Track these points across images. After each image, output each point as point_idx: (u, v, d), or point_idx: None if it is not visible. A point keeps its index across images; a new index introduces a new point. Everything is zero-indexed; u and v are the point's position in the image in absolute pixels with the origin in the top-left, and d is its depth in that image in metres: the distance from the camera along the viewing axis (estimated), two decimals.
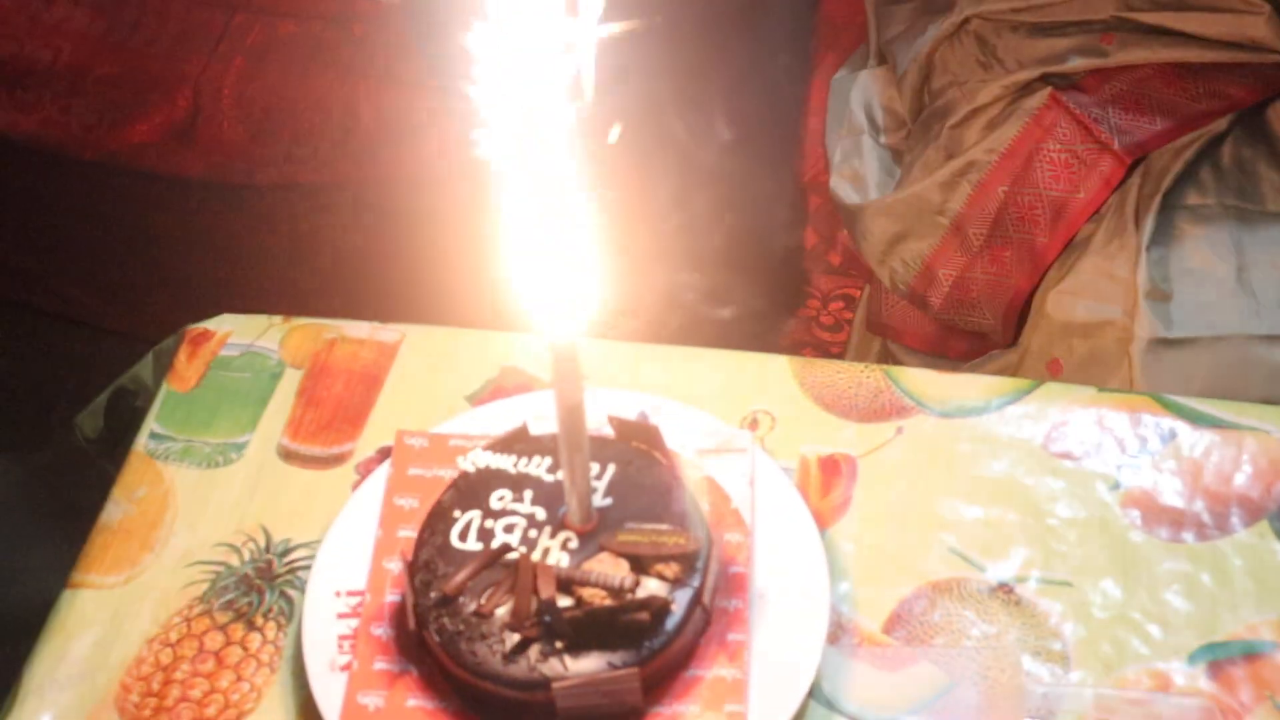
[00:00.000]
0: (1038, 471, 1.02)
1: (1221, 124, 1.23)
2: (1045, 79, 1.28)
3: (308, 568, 0.98)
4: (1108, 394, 1.05)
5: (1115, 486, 1.00)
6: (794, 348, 1.65)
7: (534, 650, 0.86)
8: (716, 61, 1.48)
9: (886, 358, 1.47)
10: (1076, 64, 1.26)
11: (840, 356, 1.54)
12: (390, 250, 1.67)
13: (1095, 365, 1.20)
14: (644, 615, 0.86)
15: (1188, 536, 0.98)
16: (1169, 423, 1.04)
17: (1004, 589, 0.96)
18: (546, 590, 0.86)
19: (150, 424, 1.08)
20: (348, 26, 1.62)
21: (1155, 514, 0.99)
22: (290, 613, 0.97)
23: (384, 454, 1.04)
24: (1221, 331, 1.16)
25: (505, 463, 0.95)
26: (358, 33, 1.62)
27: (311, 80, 1.63)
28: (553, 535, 0.91)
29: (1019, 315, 1.30)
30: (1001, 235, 1.29)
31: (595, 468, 0.93)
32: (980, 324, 1.34)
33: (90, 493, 1.12)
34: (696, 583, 0.88)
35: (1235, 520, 0.98)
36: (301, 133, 1.64)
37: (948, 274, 1.33)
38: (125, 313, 1.85)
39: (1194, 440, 1.03)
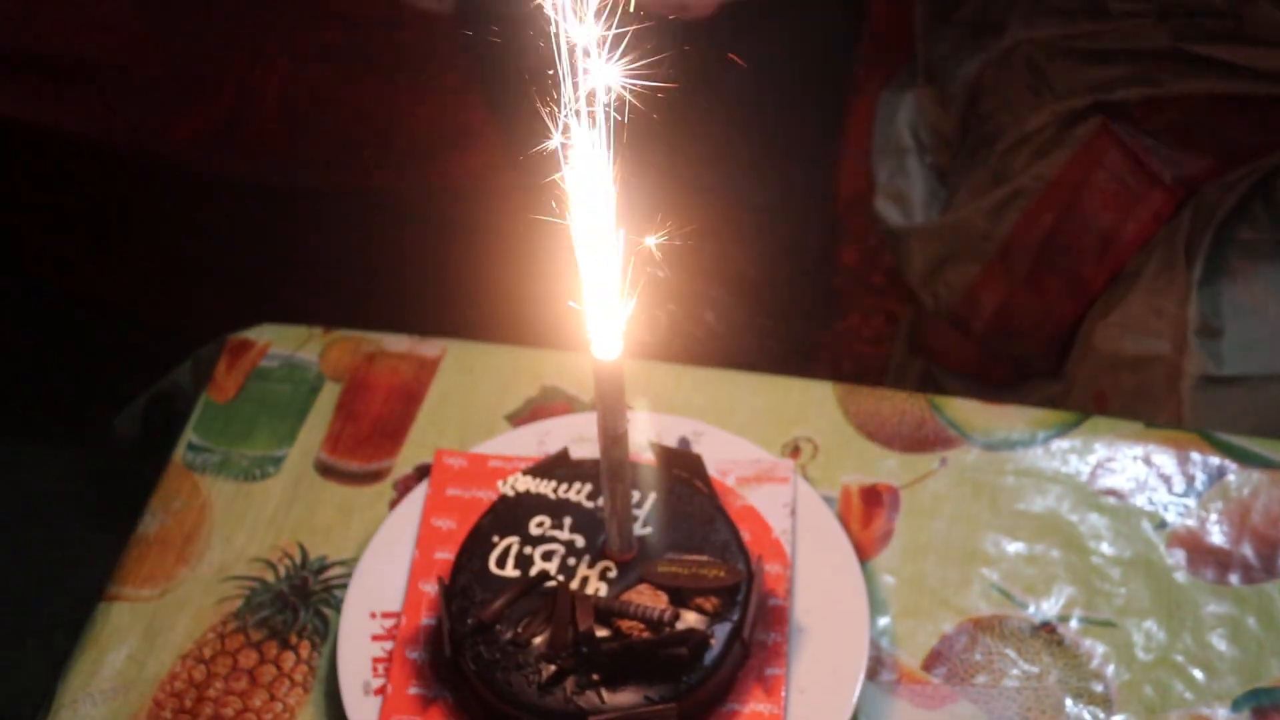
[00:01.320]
0: (1082, 508, 1.00)
1: (1275, 158, 1.21)
2: (1096, 107, 1.26)
3: (343, 586, 0.97)
4: (1155, 430, 1.04)
5: (1161, 525, 0.99)
6: (834, 361, 1.64)
7: (570, 681, 0.85)
8: (755, 80, 1.47)
9: (928, 378, 1.46)
10: (1128, 93, 1.25)
11: (881, 371, 1.53)
12: (433, 261, 1.67)
13: (1143, 400, 1.19)
14: (682, 650, 0.85)
15: (1234, 579, 0.96)
16: (1217, 461, 1.02)
17: (1046, 628, 0.94)
18: (584, 621, 0.85)
19: (189, 434, 1.08)
20: (393, 33, 1.62)
21: (1201, 555, 0.98)
22: (325, 632, 0.96)
23: (422, 472, 1.04)
24: (1273, 370, 1.15)
25: (545, 488, 0.94)
26: (403, 38, 1.62)
27: (355, 85, 1.62)
28: (592, 564, 0.90)
29: (1064, 345, 1.29)
30: (1047, 264, 1.27)
31: (636, 495, 0.92)
32: (1024, 352, 1.33)
33: (126, 491, 1.12)
34: (736, 616, 0.87)
35: None
36: (343, 138, 1.63)
37: (992, 300, 1.32)
38: (162, 308, 1.86)
39: (1242, 480, 1.01)
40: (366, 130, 1.62)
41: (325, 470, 1.05)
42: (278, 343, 1.13)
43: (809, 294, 1.51)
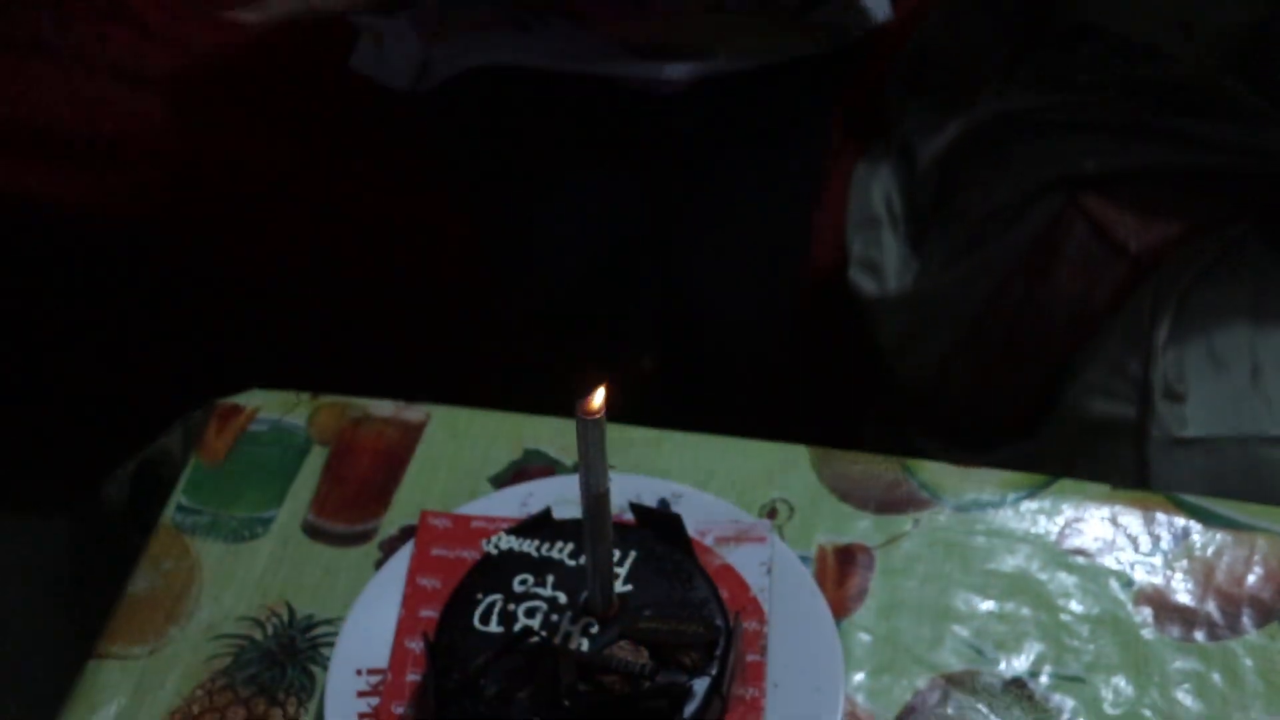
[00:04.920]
0: (1051, 567, 1.03)
1: (1238, 228, 1.24)
2: (1064, 180, 1.30)
3: (330, 644, 0.99)
4: (1122, 492, 1.07)
5: (1128, 584, 1.02)
6: (807, 425, 1.66)
7: None
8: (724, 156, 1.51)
9: (900, 439, 1.48)
10: (1094, 165, 1.29)
11: (854, 435, 1.55)
12: (413, 331, 1.69)
13: (1109, 461, 1.22)
14: (663, 703, 0.87)
15: (1199, 636, 0.99)
16: (1182, 522, 1.05)
17: (1017, 684, 0.97)
18: (567, 675, 0.87)
19: (178, 496, 1.10)
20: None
21: (1167, 612, 1.00)
22: (311, 689, 0.98)
23: (408, 533, 1.06)
24: (1235, 433, 1.18)
25: (528, 546, 0.97)
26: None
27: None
28: (574, 620, 0.92)
29: (1034, 409, 1.32)
30: (1019, 333, 1.30)
31: (617, 554, 0.95)
32: (995, 416, 1.36)
33: (114, 560, 1.14)
34: (715, 671, 0.89)
35: (1246, 620, 0.99)
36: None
37: (964, 369, 1.35)
38: (149, 376, 1.87)
39: (1206, 540, 1.04)
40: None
41: (313, 531, 1.07)
42: (266, 407, 1.16)
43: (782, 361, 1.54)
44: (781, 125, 1.55)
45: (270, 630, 1.01)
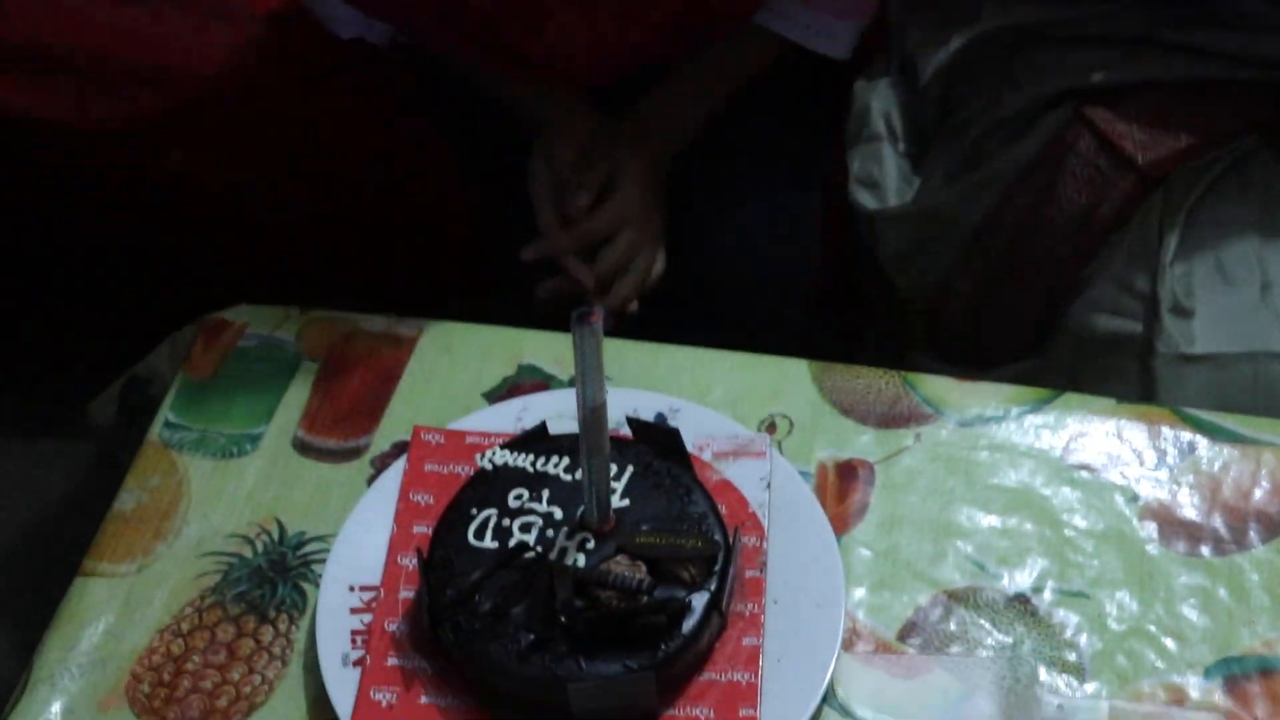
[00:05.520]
0: (1055, 482, 1.01)
1: (1249, 142, 1.22)
2: (1070, 93, 1.27)
3: (321, 561, 0.98)
4: (1127, 406, 1.05)
5: (1133, 499, 1.00)
6: (807, 344, 1.64)
7: (550, 651, 0.86)
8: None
9: (901, 359, 1.46)
10: (1102, 79, 1.26)
11: (854, 354, 1.53)
12: (404, 247, 1.66)
13: (1115, 379, 1.20)
14: (661, 618, 0.86)
15: (1205, 551, 0.98)
16: (1188, 436, 1.03)
17: (1020, 599, 0.95)
18: (563, 591, 0.86)
19: (165, 413, 1.08)
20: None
21: (1173, 527, 0.99)
22: (303, 606, 0.96)
23: (400, 449, 1.04)
24: (1243, 348, 1.15)
25: (523, 461, 0.95)
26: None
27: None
28: (570, 536, 0.90)
29: (1037, 327, 1.30)
30: (1022, 248, 1.28)
31: (613, 468, 0.93)
32: (997, 335, 1.33)
33: (102, 480, 1.12)
34: (714, 586, 0.88)
35: (1253, 535, 0.98)
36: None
37: (966, 285, 1.32)
38: (136, 294, 1.85)
39: (1213, 455, 1.02)
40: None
41: (303, 448, 1.05)
42: (255, 323, 1.14)
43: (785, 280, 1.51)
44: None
45: (260, 547, 1.00)
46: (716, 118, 1.45)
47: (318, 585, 0.96)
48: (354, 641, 0.91)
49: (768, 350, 1.11)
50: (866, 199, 1.40)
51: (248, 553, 0.99)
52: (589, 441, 0.85)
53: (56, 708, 0.92)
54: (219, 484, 1.03)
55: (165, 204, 1.70)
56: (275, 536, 1.00)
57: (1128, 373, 1.22)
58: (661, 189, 1.39)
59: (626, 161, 1.35)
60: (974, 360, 1.35)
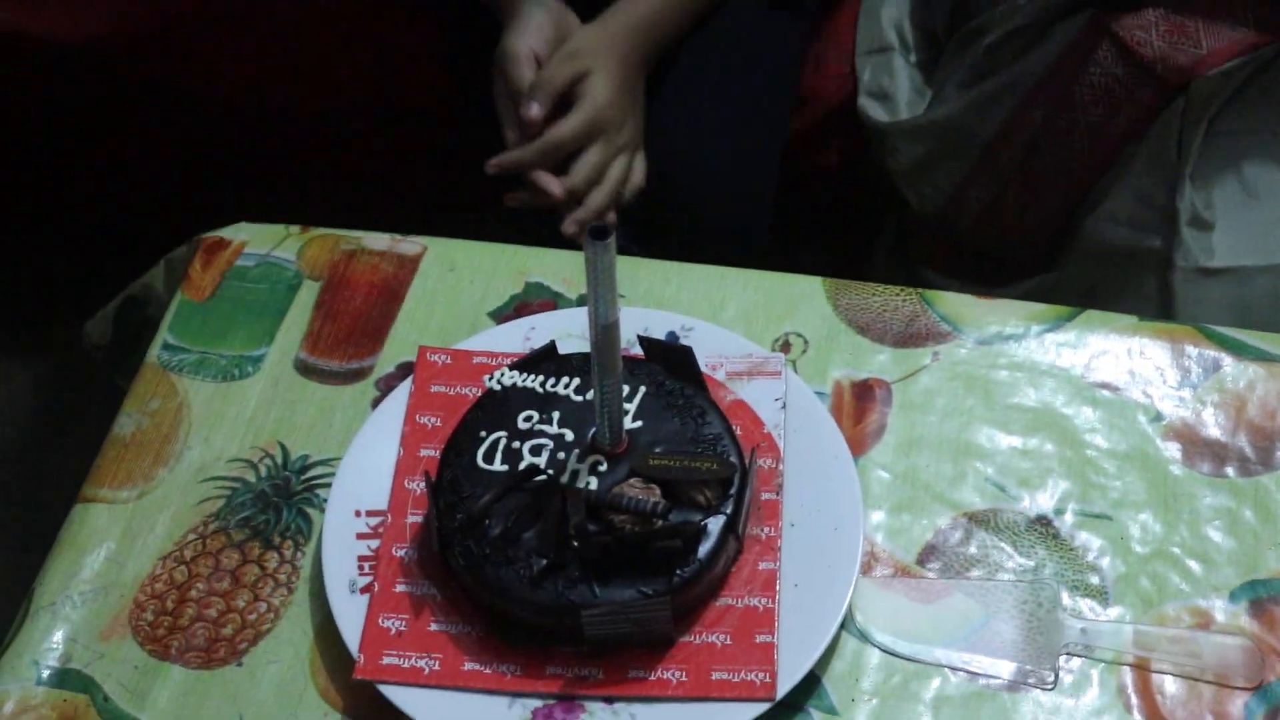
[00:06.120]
0: (1076, 402, 0.99)
1: (1270, 50, 1.18)
2: (1088, 0, 1.24)
3: (326, 486, 0.95)
4: (1149, 324, 1.03)
5: (1156, 419, 0.98)
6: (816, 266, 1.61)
7: (562, 576, 0.83)
8: None
9: (912, 281, 1.44)
10: None
11: (863, 276, 1.51)
12: (405, 164, 1.64)
13: (1131, 293, 1.17)
14: (676, 542, 0.83)
15: (1230, 471, 0.95)
16: (1212, 354, 1.01)
17: (1041, 521, 0.93)
18: (576, 515, 0.84)
19: (163, 334, 1.05)
20: None
21: (1197, 447, 0.97)
22: (308, 532, 0.94)
23: (405, 370, 1.01)
24: (1265, 261, 1.13)
25: (533, 382, 0.92)
26: None
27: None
28: (582, 458, 0.88)
29: (1052, 242, 1.27)
30: (1036, 160, 1.25)
31: (625, 389, 0.90)
32: (1012, 250, 1.31)
33: (99, 404, 1.10)
34: (730, 509, 0.86)
35: None
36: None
37: (980, 198, 1.30)
38: (132, 214, 1.82)
39: (1238, 373, 1.00)
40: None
41: (305, 369, 1.03)
42: (254, 241, 1.11)
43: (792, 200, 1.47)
44: None
45: (264, 472, 0.97)
46: (701, 18, 1.38)
47: (323, 510, 0.94)
48: (361, 568, 0.89)
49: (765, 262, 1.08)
50: (877, 111, 1.37)
51: (251, 477, 0.97)
52: (601, 361, 0.83)
53: (58, 636, 0.90)
54: (220, 407, 1.01)
55: (158, 120, 1.67)
56: (279, 461, 0.98)
57: (1145, 288, 1.20)
58: (638, 93, 1.31)
59: (598, 65, 1.27)
60: (986, 278, 1.33)
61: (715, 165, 1.37)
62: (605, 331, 0.81)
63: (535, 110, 1.24)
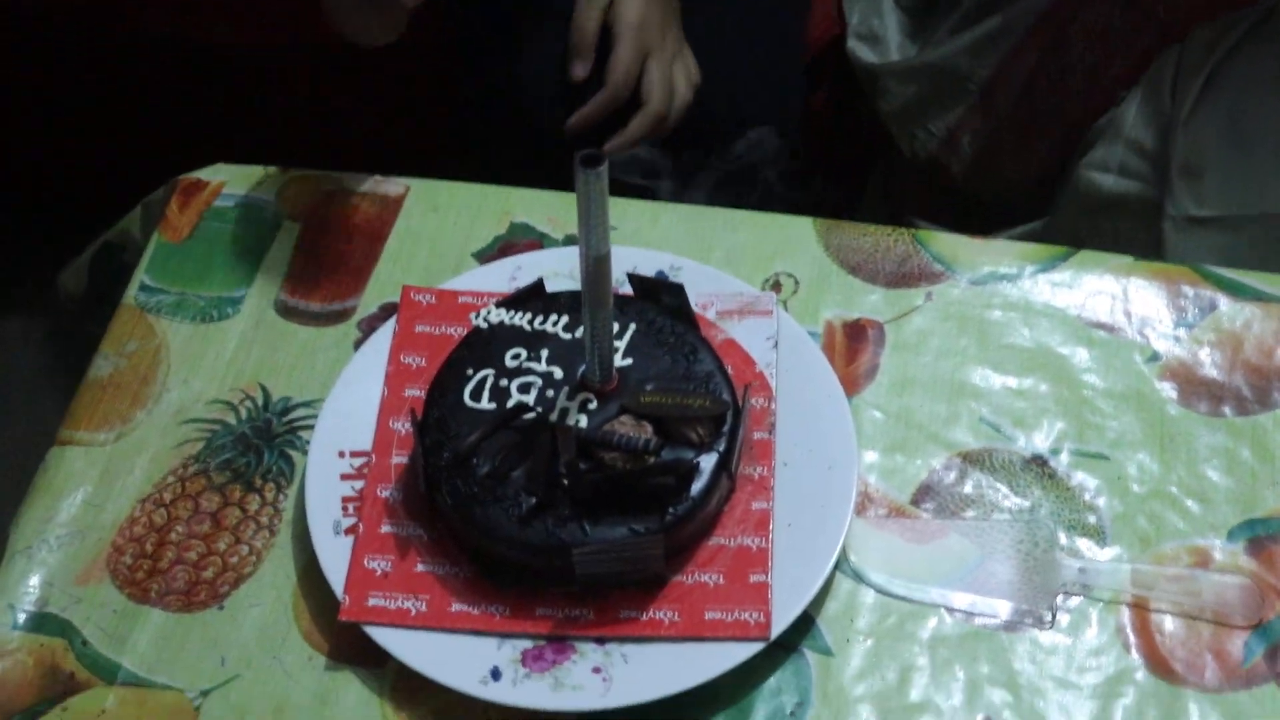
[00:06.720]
0: (1072, 341, 0.98)
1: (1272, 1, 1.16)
2: None
3: (308, 427, 0.94)
4: (1145, 263, 1.01)
5: (1153, 358, 0.96)
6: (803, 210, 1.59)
7: (552, 514, 0.82)
8: None
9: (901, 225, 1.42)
10: None
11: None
12: (388, 102, 1.61)
13: (1122, 242, 1.15)
14: (668, 479, 0.82)
15: (1227, 410, 0.94)
16: (1208, 294, 0.99)
17: (1037, 461, 0.92)
18: (567, 452, 0.82)
19: (140, 275, 1.03)
20: None
21: (1194, 387, 0.95)
22: (290, 474, 0.92)
23: (388, 311, 0.99)
24: (1255, 210, 1.12)
25: (520, 319, 0.90)
26: None
27: None
28: (571, 396, 0.86)
29: (1043, 188, 1.25)
30: (1030, 104, 1.23)
31: (615, 326, 0.88)
32: (1003, 195, 1.29)
33: (73, 356, 1.07)
34: (723, 447, 0.84)
35: (1277, 395, 0.95)
36: None
37: (972, 142, 1.28)
38: (106, 162, 1.79)
39: (1234, 312, 0.99)
40: None
41: (286, 311, 1.01)
42: (233, 182, 1.08)
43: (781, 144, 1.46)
44: None
45: (244, 414, 0.95)
46: None
47: (305, 453, 0.92)
48: (345, 509, 0.87)
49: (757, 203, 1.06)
50: (866, 53, 1.35)
51: (231, 419, 0.95)
52: (591, 294, 0.81)
53: (35, 580, 0.88)
54: (199, 348, 0.99)
55: (133, 62, 1.64)
56: (259, 402, 0.96)
57: (1135, 235, 1.18)
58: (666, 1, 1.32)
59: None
60: (974, 224, 1.31)
61: (746, 72, 1.38)
62: (596, 264, 0.79)
63: (580, 70, 1.28)
